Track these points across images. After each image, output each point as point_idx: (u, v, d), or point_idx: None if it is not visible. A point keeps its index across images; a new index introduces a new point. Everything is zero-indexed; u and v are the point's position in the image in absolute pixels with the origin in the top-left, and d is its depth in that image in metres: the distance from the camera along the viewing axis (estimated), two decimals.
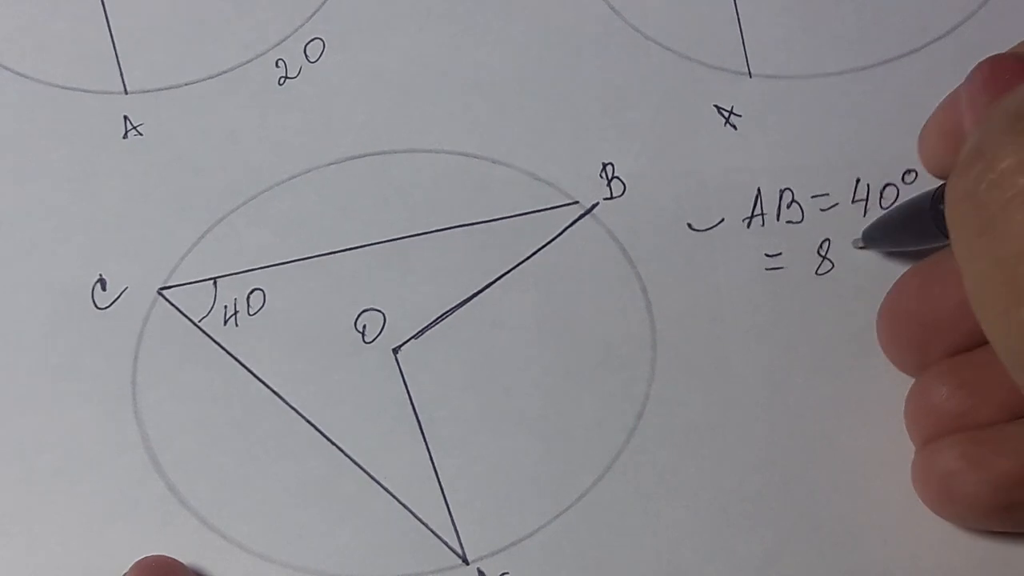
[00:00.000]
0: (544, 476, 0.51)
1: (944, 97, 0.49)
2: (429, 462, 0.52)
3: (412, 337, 0.54)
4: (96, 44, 0.62)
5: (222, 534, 0.51)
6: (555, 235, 0.56)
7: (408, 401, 0.53)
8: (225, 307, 0.56)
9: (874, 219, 0.54)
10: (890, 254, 0.54)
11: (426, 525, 0.51)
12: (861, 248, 0.54)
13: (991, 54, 0.44)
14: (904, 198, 0.55)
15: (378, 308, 0.55)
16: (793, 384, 0.52)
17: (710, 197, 0.56)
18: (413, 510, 0.51)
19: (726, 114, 0.58)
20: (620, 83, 0.59)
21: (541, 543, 0.50)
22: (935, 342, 0.49)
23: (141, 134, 0.60)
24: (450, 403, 0.53)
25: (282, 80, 0.61)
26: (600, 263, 0.55)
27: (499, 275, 0.55)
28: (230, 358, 0.55)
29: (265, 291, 0.56)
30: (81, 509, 0.52)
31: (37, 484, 0.52)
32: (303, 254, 0.57)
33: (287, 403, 0.53)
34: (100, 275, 0.57)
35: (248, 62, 0.61)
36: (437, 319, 0.55)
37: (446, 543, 0.50)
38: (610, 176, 0.57)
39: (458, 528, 0.50)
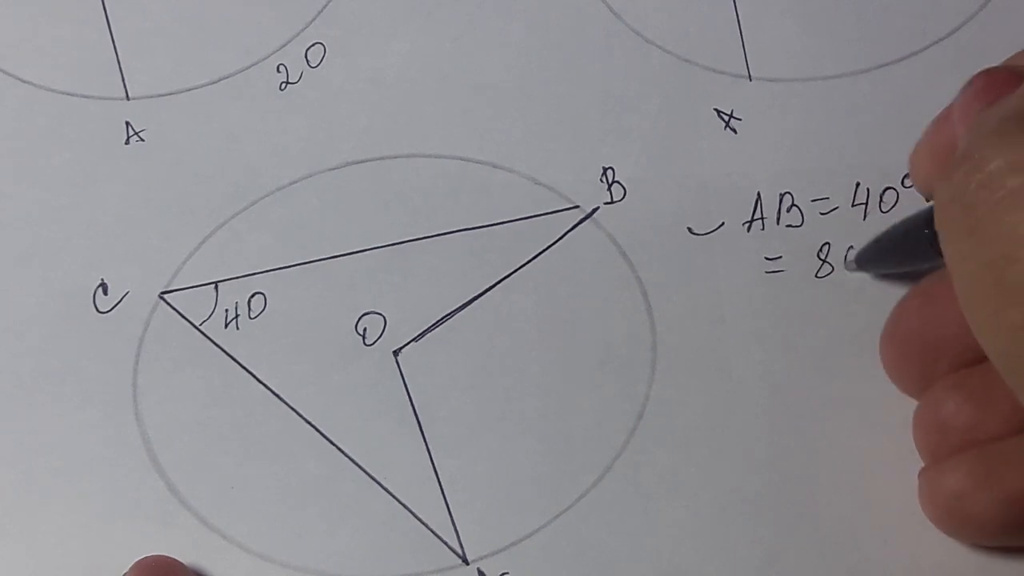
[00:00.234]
0: (544, 476, 0.51)
1: (937, 112, 0.48)
2: (429, 462, 0.52)
3: (412, 340, 0.54)
4: (98, 50, 0.63)
5: (222, 534, 0.51)
6: (556, 239, 0.56)
7: (408, 403, 0.53)
8: (226, 311, 0.56)
9: (866, 242, 0.53)
10: (883, 275, 0.54)
11: (426, 525, 0.51)
12: (854, 271, 0.54)
13: (990, 57, 0.44)
14: (904, 202, 0.55)
15: (379, 311, 0.55)
16: (793, 386, 0.52)
17: (710, 201, 0.56)
18: (413, 510, 0.51)
19: (726, 118, 0.58)
20: (620, 87, 0.59)
21: (541, 543, 0.50)
22: (939, 362, 0.49)
23: (143, 139, 0.60)
24: (450, 405, 0.53)
25: (283, 85, 0.61)
26: (601, 267, 0.55)
27: (500, 279, 0.55)
28: (231, 361, 0.55)
29: (266, 295, 0.56)
30: (81, 509, 0.52)
31: (37, 484, 0.52)
32: (304, 258, 0.57)
33: (288, 405, 0.53)
34: (102, 279, 0.57)
35: (249, 67, 0.62)
36: (437, 322, 0.55)
37: (446, 543, 0.50)
38: (610, 180, 0.57)
39: (458, 528, 0.50)
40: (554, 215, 0.57)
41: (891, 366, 0.51)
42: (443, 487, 0.51)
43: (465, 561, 0.50)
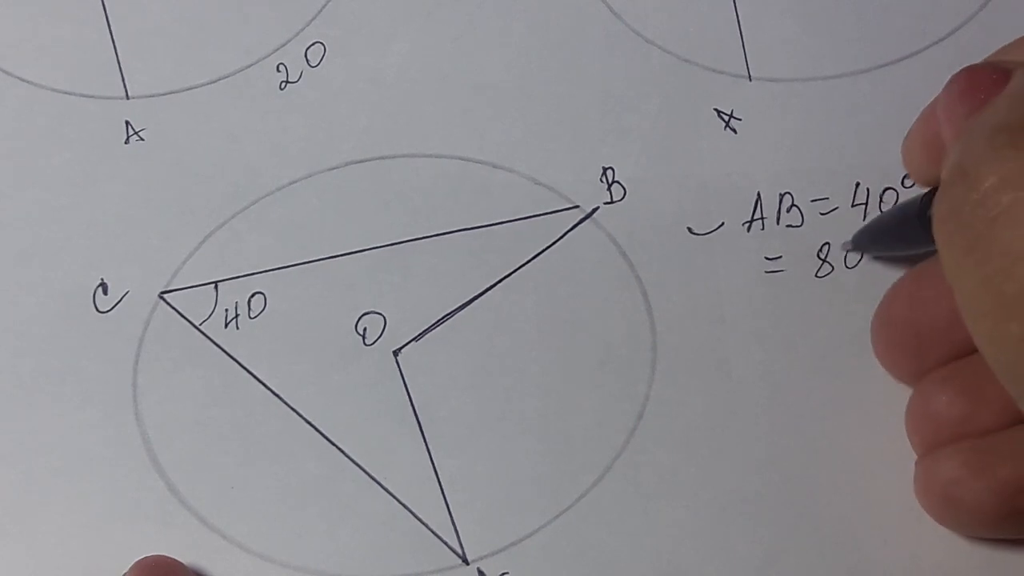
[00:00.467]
0: (544, 476, 0.51)
1: (924, 108, 0.48)
2: (429, 462, 0.52)
3: (412, 340, 0.54)
4: (98, 49, 0.63)
5: (222, 534, 0.51)
6: (555, 239, 0.56)
7: (408, 402, 0.53)
8: (226, 310, 0.56)
9: (863, 224, 0.54)
10: (881, 258, 0.54)
11: (426, 525, 0.51)
12: (850, 252, 0.54)
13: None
14: (902, 202, 0.55)
15: (379, 311, 0.55)
16: (793, 385, 0.52)
17: (710, 201, 0.56)
18: (413, 510, 0.51)
19: (726, 118, 0.58)
20: (620, 87, 0.59)
21: (541, 543, 0.50)
22: (931, 349, 0.49)
23: (143, 139, 0.60)
24: (450, 404, 0.53)
25: (283, 84, 0.61)
26: (600, 267, 0.55)
27: (499, 279, 0.55)
28: (231, 360, 0.55)
29: (266, 294, 0.56)
30: (81, 509, 0.52)
31: (37, 484, 0.52)
32: (304, 258, 0.57)
33: (288, 405, 0.53)
34: (102, 279, 0.57)
35: (249, 66, 0.62)
36: (437, 322, 0.55)
37: (446, 543, 0.50)
38: (610, 180, 0.57)
39: (458, 528, 0.50)
40: (554, 215, 0.57)
41: (883, 353, 0.52)
42: (443, 487, 0.51)
43: (465, 561, 0.50)
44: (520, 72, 0.60)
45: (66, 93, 0.62)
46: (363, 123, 0.60)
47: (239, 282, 0.56)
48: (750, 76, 0.59)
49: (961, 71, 0.43)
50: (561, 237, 0.56)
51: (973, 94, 0.42)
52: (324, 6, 0.63)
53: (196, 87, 0.61)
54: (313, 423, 0.53)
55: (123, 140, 0.60)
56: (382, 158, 0.59)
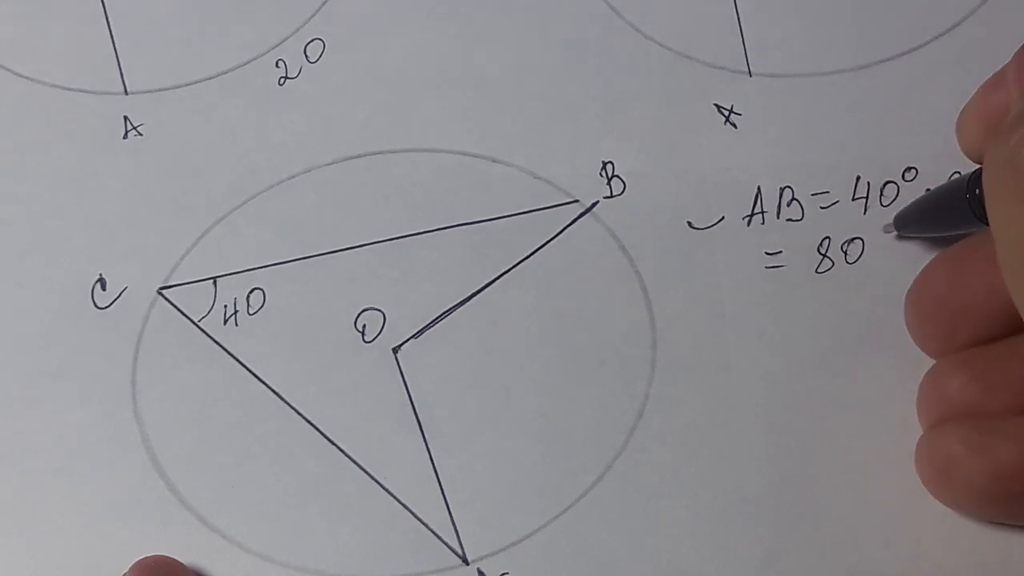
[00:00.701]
0: (544, 476, 0.51)
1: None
2: (429, 462, 0.52)
3: (412, 336, 0.54)
4: (96, 45, 0.63)
5: (222, 534, 0.51)
6: (555, 234, 0.56)
7: (408, 400, 0.53)
8: (225, 306, 0.56)
9: (905, 204, 0.54)
10: (917, 243, 0.54)
11: (426, 525, 0.51)
12: (891, 233, 0.54)
13: (991, 53, 0.45)
14: (904, 196, 0.55)
15: (378, 307, 0.55)
16: (793, 383, 0.52)
17: (710, 195, 0.56)
18: (413, 510, 0.51)
19: (726, 112, 0.58)
20: (620, 82, 0.59)
21: (541, 543, 0.50)
22: (962, 327, 0.49)
23: (141, 134, 0.60)
24: (450, 402, 0.53)
25: (282, 80, 0.61)
26: (600, 262, 0.55)
27: (499, 274, 0.55)
28: (230, 357, 0.55)
29: (265, 290, 0.56)
30: (81, 509, 0.52)
31: (37, 484, 0.52)
32: (303, 253, 0.57)
33: (287, 402, 0.53)
34: (100, 275, 0.57)
35: (248, 62, 0.62)
36: (437, 318, 0.55)
37: (446, 543, 0.50)
38: (610, 175, 0.57)
39: (458, 528, 0.50)
40: (553, 209, 0.57)
41: (915, 327, 0.51)
42: (443, 487, 0.51)
43: (465, 561, 0.50)
44: (519, 67, 0.60)
45: (64, 89, 0.61)
46: (362, 118, 0.60)
47: (238, 278, 0.56)
48: (750, 71, 0.59)
49: None
50: (561, 232, 0.56)
51: None
52: (324, 3, 0.63)
53: (195, 83, 0.61)
54: (312, 421, 0.53)
55: (122, 135, 0.60)
56: (381, 153, 0.59)
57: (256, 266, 0.56)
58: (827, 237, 0.55)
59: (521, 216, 0.57)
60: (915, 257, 0.54)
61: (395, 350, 0.54)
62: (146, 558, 0.49)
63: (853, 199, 0.56)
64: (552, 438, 0.52)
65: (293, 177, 0.58)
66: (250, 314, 0.55)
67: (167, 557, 0.50)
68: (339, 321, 0.55)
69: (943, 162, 0.55)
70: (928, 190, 0.54)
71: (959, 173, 0.54)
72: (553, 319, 0.54)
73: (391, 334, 0.55)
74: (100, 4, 0.63)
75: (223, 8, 0.63)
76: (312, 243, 0.57)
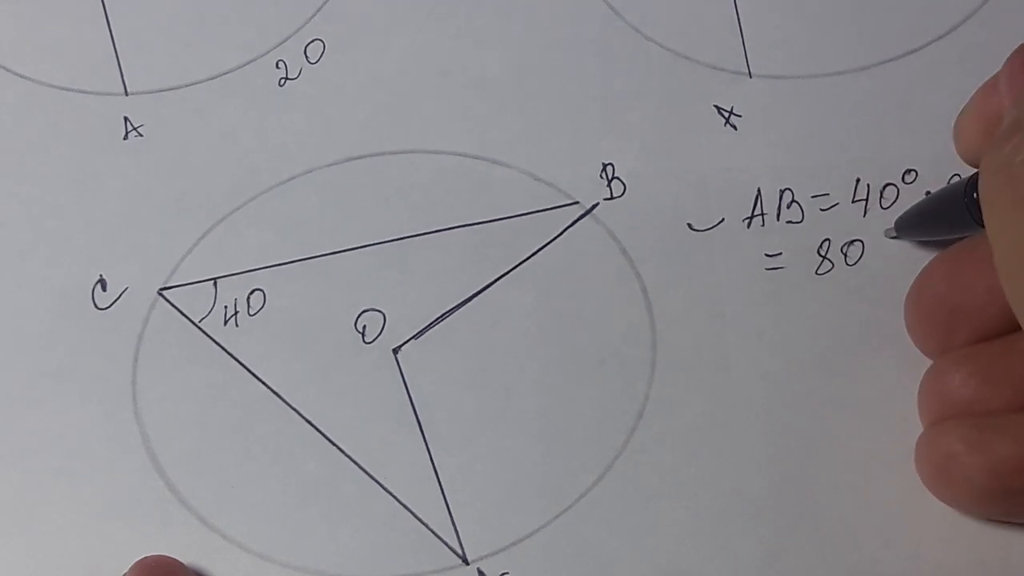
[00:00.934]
0: (544, 476, 0.51)
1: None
2: (429, 462, 0.52)
3: (412, 337, 0.54)
4: (97, 45, 0.63)
5: (222, 534, 0.51)
6: (555, 235, 0.56)
7: (408, 401, 0.53)
8: (225, 307, 0.56)
9: (906, 208, 0.54)
10: (917, 246, 0.54)
11: (426, 525, 0.51)
12: (893, 238, 0.54)
13: (991, 54, 0.45)
14: (904, 198, 0.55)
15: (378, 308, 0.55)
16: (793, 384, 0.52)
17: (710, 197, 0.56)
18: (413, 510, 0.51)
19: (726, 114, 0.58)
20: (620, 83, 0.59)
21: (541, 543, 0.50)
22: (961, 327, 0.49)
23: (141, 135, 0.60)
24: (450, 403, 0.53)
25: (282, 81, 0.61)
26: (600, 263, 0.55)
27: (499, 275, 0.55)
28: (230, 358, 0.55)
29: (265, 291, 0.56)
30: (81, 509, 0.52)
31: (37, 484, 0.52)
32: (303, 254, 0.57)
33: (287, 403, 0.53)
34: (100, 275, 0.57)
35: (248, 63, 0.62)
36: (437, 319, 0.55)
37: (446, 543, 0.50)
38: (610, 176, 0.57)
39: (458, 528, 0.50)
40: (554, 211, 0.57)
41: (914, 327, 0.51)
42: (443, 487, 0.51)
43: (465, 561, 0.50)
44: (519, 68, 0.60)
45: (65, 89, 0.62)
46: (362, 119, 0.60)
47: (238, 279, 0.56)
48: (750, 73, 0.59)
49: None
50: (561, 233, 0.56)
51: None
52: (324, 3, 0.63)
53: (195, 83, 0.61)
54: (312, 422, 0.53)
55: (122, 136, 0.60)
56: (381, 154, 0.59)
57: (256, 267, 0.56)
58: (827, 239, 0.55)
59: (521, 217, 0.57)
60: (915, 259, 0.54)
61: (395, 351, 0.54)
62: (146, 558, 0.49)
63: (853, 201, 0.56)
64: (552, 438, 0.52)
65: (293, 178, 0.58)
66: (250, 315, 0.55)
67: (167, 557, 0.50)
68: (339, 322, 0.55)
69: (943, 164, 0.55)
70: (928, 193, 0.54)
71: (959, 175, 0.54)
72: (553, 320, 0.54)
73: (391, 335, 0.55)
74: (100, 5, 0.63)
75: (223, 9, 0.63)
76: (312, 244, 0.57)
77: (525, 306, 0.55)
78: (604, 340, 0.54)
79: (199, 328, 0.55)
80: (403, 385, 0.53)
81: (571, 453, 0.51)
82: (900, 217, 0.54)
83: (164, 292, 0.56)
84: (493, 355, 0.54)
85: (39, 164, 0.59)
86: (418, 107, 0.60)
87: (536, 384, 0.53)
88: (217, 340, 0.55)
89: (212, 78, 0.61)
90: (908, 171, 0.56)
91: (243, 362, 0.54)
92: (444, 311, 0.55)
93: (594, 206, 0.57)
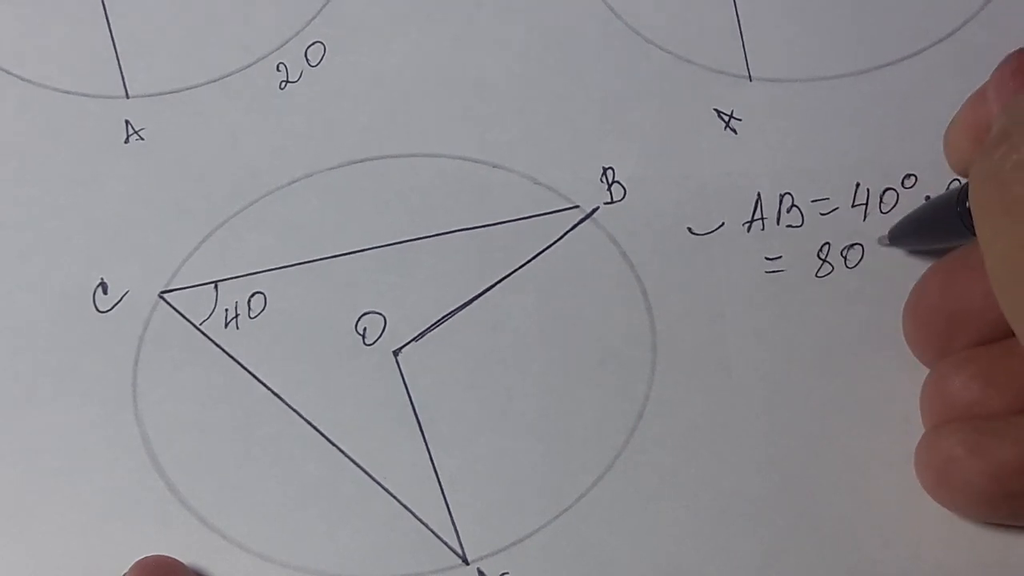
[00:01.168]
0: (544, 476, 0.51)
1: (939, 112, 0.49)
2: (429, 462, 0.52)
3: (412, 339, 0.54)
4: (98, 49, 0.63)
5: (222, 534, 0.51)
6: (555, 239, 0.56)
7: (408, 402, 0.53)
8: (226, 310, 0.56)
9: (904, 211, 0.54)
10: (913, 253, 0.54)
11: (426, 525, 0.51)
12: (887, 246, 0.54)
13: (991, 58, 0.45)
14: (904, 202, 0.55)
15: (378, 311, 0.55)
16: (793, 386, 0.52)
17: (710, 201, 0.56)
18: (413, 510, 0.51)
19: (726, 118, 0.58)
20: (620, 87, 0.59)
21: (541, 543, 0.50)
22: (958, 335, 0.49)
23: (143, 138, 0.60)
24: (450, 404, 0.53)
25: (283, 84, 0.61)
26: (600, 267, 0.55)
27: (500, 278, 0.55)
28: (231, 360, 0.55)
29: (266, 294, 0.56)
30: (81, 509, 0.52)
31: (37, 484, 0.52)
32: (304, 258, 0.57)
33: (288, 404, 0.53)
34: (102, 279, 0.57)
35: (249, 66, 0.62)
36: (437, 322, 0.55)
37: (446, 543, 0.50)
38: (610, 180, 0.57)
39: (458, 528, 0.50)
40: (554, 215, 0.57)
41: (911, 337, 0.51)
42: (443, 487, 0.51)
43: (465, 561, 0.50)
44: (520, 72, 0.60)
45: (66, 92, 0.62)
46: (363, 123, 0.60)
47: (239, 282, 0.56)
48: (750, 76, 0.59)
49: (1013, 52, 0.44)
50: (561, 237, 0.56)
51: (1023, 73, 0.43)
52: (324, 6, 0.63)
53: (196, 86, 0.61)
54: (313, 423, 0.53)
55: (123, 139, 0.60)
56: (382, 158, 0.59)
57: (257, 270, 0.56)
58: (827, 243, 0.55)
59: (521, 221, 0.57)
60: (914, 263, 0.54)
61: (396, 353, 0.54)
62: (146, 558, 0.49)
63: (853, 205, 0.56)
64: (552, 438, 0.52)
65: (294, 181, 0.58)
66: (251, 318, 0.55)
67: (167, 557, 0.49)
68: (340, 324, 0.55)
69: (943, 169, 0.54)
70: (927, 198, 0.54)
71: (958, 181, 0.54)
72: (553, 323, 0.54)
73: (392, 337, 0.55)
74: (101, 7, 0.64)
75: (224, 11, 0.63)
76: (313, 247, 0.57)
77: (526, 309, 0.55)
78: (604, 342, 0.54)
79: (200, 331, 0.55)
80: (403, 387, 0.53)
81: (571, 453, 0.51)
82: (894, 226, 0.54)
83: (165, 295, 0.56)
84: (493, 357, 0.54)
85: (40, 167, 0.60)
86: (419, 110, 0.60)
87: (536, 385, 0.53)
88: (218, 342, 0.55)
89: (213, 81, 0.61)
90: (908, 175, 0.56)
91: (244, 364, 0.54)
92: (445, 314, 0.55)
93: (594, 210, 0.57)
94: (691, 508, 0.50)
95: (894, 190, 0.56)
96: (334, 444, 0.52)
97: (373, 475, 0.52)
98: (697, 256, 0.55)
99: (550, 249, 0.56)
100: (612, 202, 0.57)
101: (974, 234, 0.42)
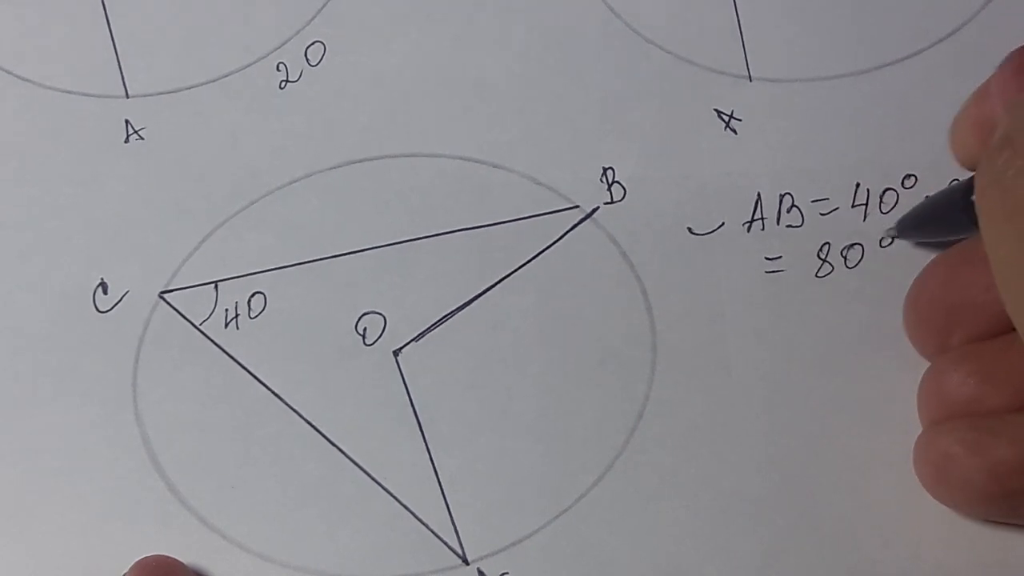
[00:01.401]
0: (544, 476, 0.51)
1: (938, 113, 0.49)
2: (429, 462, 0.52)
3: (412, 340, 0.54)
4: (98, 48, 0.63)
5: (222, 534, 0.51)
6: (555, 239, 0.56)
7: (408, 403, 0.53)
8: (226, 310, 0.56)
9: (905, 210, 0.54)
10: (923, 245, 0.54)
11: (426, 525, 0.51)
12: (893, 239, 0.54)
13: (991, 58, 0.45)
14: (904, 202, 0.55)
15: (378, 311, 0.55)
16: (793, 386, 0.52)
17: (710, 201, 0.56)
18: (413, 510, 0.51)
19: (726, 118, 0.58)
20: (620, 87, 0.59)
21: (541, 543, 0.50)
22: (958, 327, 0.49)
23: (143, 138, 0.60)
24: (450, 405, 0.53)
25: (283, 84, 0.61)
26: (600, 267, 0.55)
27: (499, 278, 0.55)
28: (231, 360, 0.55)
29: (266, 294, 0.56)
30: (81, 509, 0.52)
31: (37, 484, 0.52)
32: (304, 257, 0.57)
33: (288, 404, 0.53)
34: (102, 279, 0.57)
35: (249, 66, 0.62)
36: (437, 322, 0.55)
37: (446, 543, 0.50)
38: (610, 180, 0.57)
39: (458, 528, 0.50)
40: (554, 215, 0.57)
41: (912, 329, 0.51)
42: (443, 487, 0.51)
43: (465, 561, 0.50)
44: (520, 72, 0.60)
45: (66, 92, 0.62)
46: (363, 122, 0.60)
47: (239, 282, 0.56)
48: (750, 76, 0.59)
49: (1016, 49, 0.44)
50: (561, 237, 0.56)
51: None
52: (324, 5, 0.63)
53: (196, 86, 0.61)
54: (313, 423, 0.53)
55: (123, 139, 0.60)
56: (382, 157, 0.59)
57: (257, 270, 0.56)
58: (827, 243, 0.55)
59: (521, 221, 0.57)
60: (914, 262, 0.53)
61: (396, 353, 0.54)
62: (146, 558, 0.49)
63: (853, 205, 0.56)
64: (552, 439, 0.52)
65: (294, 181, 0.58)
66: (251, 318, 0.55)
67: (167, 557, 0.49)
68: (340, 324, 0.55)
69: (943, 169, 0.54)
70: (927, 197, 0.54)
71: (959, 180, 0.54)
72: (553, 323, 0.54)
73: (392, 337, 0.55)
74: (101, 7, 0.64)
75: (224, 11, 0.63)
76: (313, 247, 0.57)
77: (525, 309, 0.55)
78: (604, 342, 0.54)
79: (200, 331, 0.55)
80: (403, 387, 0.53)
81: (571, 453, 0.51)
82: (901, 218, 0.54)
83: (165, 295, 0.56)
84: (493, 357, 0.54)
85: (40, 167, 0.60)
86: (418, 110, 0.60)
87: (536, 385, 0.53)
88: (218, 343, 0.55)
89: (213, 81, 0.61)
90: (908, 175, 0.56)
91: (244, 364, 0.54)
92: (444, 314, 0.55)
93: (594, 210, 0.57)
94: (691, 508, 0.50)
95: (894, 190, 0.56)
96: (334, 444, 0.52)
97: (373, 475, 0.52)
98: (697, 256, 0.55)
99: (550, 249, 0.56)
100: (612, 202, 0.57)
101: (979, 227, 0.42)
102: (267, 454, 0.52)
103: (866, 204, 0.56)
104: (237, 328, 0.55)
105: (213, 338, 0.55)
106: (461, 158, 0.58)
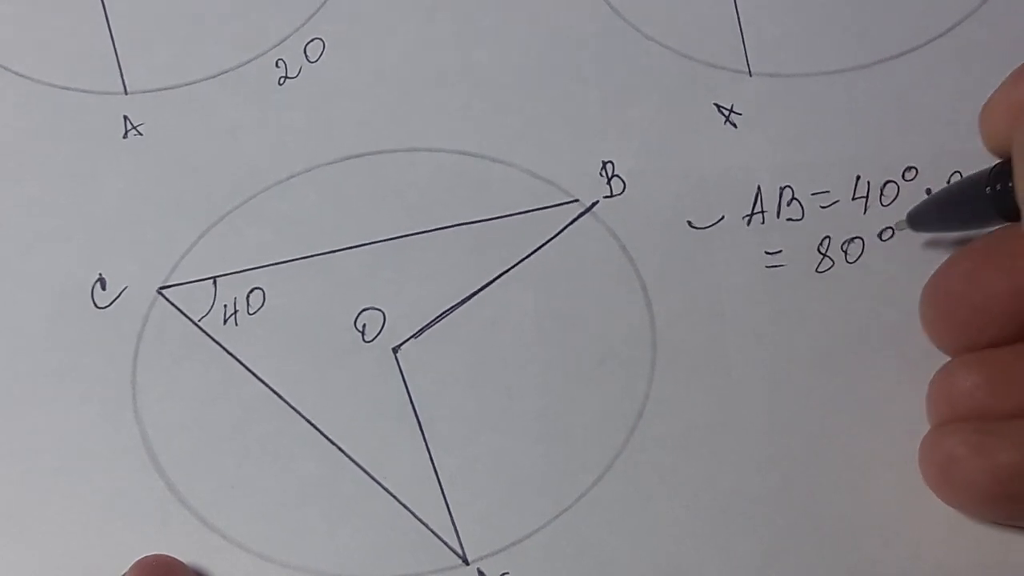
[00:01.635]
0: (544, 476, 0.51)
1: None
2: (429, 462, 0.52)
3: (412, 336, 0.54)
4: (96, 44, 0.63)
5: (222, 534, 0.51)
6: (555, 233, 0.56)
7: (408, 400, 0.53)
8: (225, 306, 0.56)
9: (905, 203, 0.53)
10: (923, 245, 0.54)
11: (426, 525, 0.51)
12: (904, 231, 0.54)
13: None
14: (904, 195, 0.55)
15: (378, 307, 0.55)
16: (793, 383, 0.52)
17: (710, 195, 0.56)
18: (413, 510, 0.51)
19: (726, 112, 0.58)
20: (620, 81, 0.59)
21: (541, 543, 0.50)
22: (979, 328, 0.49)
23: (141, 134, 0.60)
24: (450, 402, 0.53)
25: (282, 80, 0.61)
26: (600, 261, 0.55)
27: (499, 274, 0.55)
28: (230, 357, 0.55)
29: (265, 290, 0.56)
30: (81, 509, 0.52)
31: (37, 484, 0.52)
32: (303, 253, 0.57)
33: (287, 402, 0.53)
34: (100, 274, 0.57)
35: (248, 62, 0.62)
36: (437, 318, 0.55)
37: (446, 543, 0.50)
38: (610, 174, 0.57)
39: (458, 528, 0.50)
40: (553, 209, 0.57)
41: (930, 324, 0.51)
42: (443, 487, 0.51)
43: (465, 561, 0.50)
44: (519, 66, 0.60)
45: (64, 88, 0.61)
46: (362, 118, 0.60)
47: (238, 277, 0.56)
48: (750, 71, 0.59)
49: None
50: (561, 231, 0.56)
51: None
52: (324, 2, 0.63)
53: (195, 82, 0.61)
54: (312, 421, 0.53)
55: (121, 135, 0.60)
56: (381, 153, 0.59)
57: (256, 266, 0.56)
58: (827, 236, 0.55)
59: (521, 216, 0.57)
60: (916, 257, 0.54)
61: (395, 350, 0.54)
62: (146, 557, 0.49)
63: (853, 199, 0.56)
64: (552, 438, 0.52)
65: (293, 177, 0.58)
66: (250, 314, 0.55)
67: (167, 556, 0.50)
68: (339, 321, 0.55)
69: (943, 162, 0.55)
70: (928, 191, 0.54)
71: (959, 173, 0.54)
72: (553, 319, 0.54)
73: (391, 334, 0.55)
74: (100, 3, 0.63)
75: (223, 7, 0.63)
76: (312, 243, 0.57)
77: (525, 305, 0.55)
78: (604, 339, 0.54)
79: (198, 327, 0.55)
80: (403, 384, 0.53)
81: (571, 453, 0.51)
82: (913, 209, 0.53)
83: (163, 291, 0.56)
84: (493, 354, 0.54)
85: (39, 163, 0.59)
86: (417, 105, 0.60)
87: (536, 383, 0.53)
88: (216, 339, 0.55)
89: (212, 77, 0.61)
90: (908, 168, 0.56)
91: (242, 361, 0.54)
92: (444, 310, 0.55)
93: (594, 204, 0.57)
94: (691, 508, 0.50)
95: (894, 183, 0.56)
96: (333, 443, 0.52)
97: (372, 474, 0.52)
98: (697, 250, 0.55)
99: (549, 244, 0.56)
100: (612, 196, 0.57)
101: (1005, 217, 0.42)
102: (266, 452, 0.52)
103: (866, 197, 0.56)
104: (236, 324, 0.55)
105: (212, 334, 0.55)
106: (460, 152, 0.58)
